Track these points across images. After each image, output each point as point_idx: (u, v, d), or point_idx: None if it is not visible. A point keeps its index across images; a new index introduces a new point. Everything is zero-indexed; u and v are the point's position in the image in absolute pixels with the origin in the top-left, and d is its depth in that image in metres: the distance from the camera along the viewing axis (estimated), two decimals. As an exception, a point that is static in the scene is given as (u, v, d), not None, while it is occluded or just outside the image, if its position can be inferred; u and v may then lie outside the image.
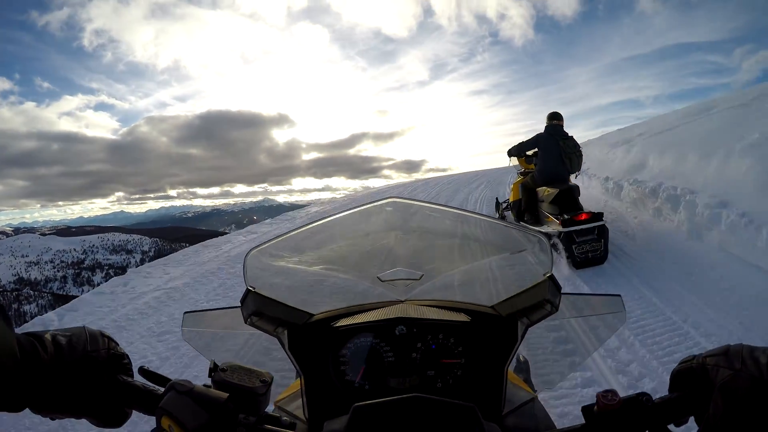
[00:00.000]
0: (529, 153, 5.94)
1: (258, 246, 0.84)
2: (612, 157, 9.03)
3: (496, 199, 8.16)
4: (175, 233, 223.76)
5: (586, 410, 0.56)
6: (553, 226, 4.56)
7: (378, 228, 0.90)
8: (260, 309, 0.80)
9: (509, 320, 0.76)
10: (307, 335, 0.80)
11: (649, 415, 0.53)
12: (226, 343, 0.91)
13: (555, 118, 5.48)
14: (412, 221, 0.88)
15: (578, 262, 4.24)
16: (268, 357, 0.95)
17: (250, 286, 0.81)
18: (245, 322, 0.80)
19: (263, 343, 0.91)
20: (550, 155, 5.28)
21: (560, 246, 4.40)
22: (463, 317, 0.79)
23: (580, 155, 5.31)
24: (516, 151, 5.95)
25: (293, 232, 0.85)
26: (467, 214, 0.88)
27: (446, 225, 0.92)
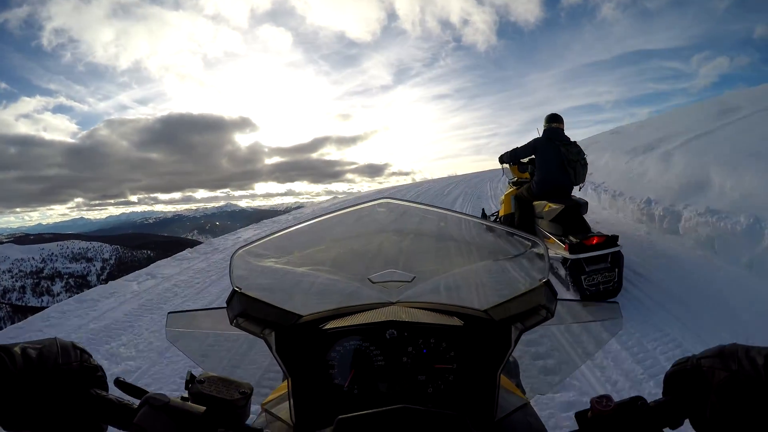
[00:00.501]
0: (524, 160, 5.20)
1: (245, 245, 0.82)
2: (640, 168, 6.89)
3: (482, 210, 7.32)
4: (136, 240, 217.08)
5: (579, 416, 0.55)
6: (556, 250, 3.85)
7: (370, 229, 0.88)
8: (247, 310, 0.78)
9: (503, 325, 0.75)
10: (295, 337, 0.79)
11: (644, 419, 0.52)
12: (211, 343, 0.89)
13: (554, 121, 4.74)
14: (405, 223, 0.87)
15: (587, 296, 3.60)
16: (255, 358, 0.94)
17: (237, 287, 0.80)
18: (231, 324, 0.77)
19: (250, 344, 0.89)
20: (549, 163, 4.52)
21: (563, 273, 3.80)
22: (455, 321, 0.78)
23: (585, 164, 4.58)
24: (508, 158, 5.18)
25: (282, 232, 0.83)
26: (462, 216, 0.86)
27: (440, 227, 0.91)
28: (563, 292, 3.66)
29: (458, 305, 0.84)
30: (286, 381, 0.78)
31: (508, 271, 0.87)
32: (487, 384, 0.72)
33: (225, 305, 0.79)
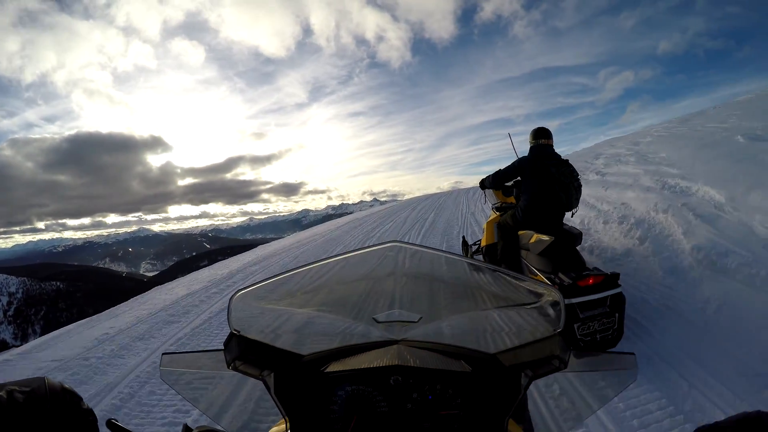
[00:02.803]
0: (509, 183, 4.48)
1: (244, 288, 0.81)
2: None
3: (463, 238, 6.22)
4: (45, 270, 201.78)
5: None
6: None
7: (376, 271, 0.87)
8: (245, 353, 0.77)
9: (512, 371, 0.74)
10: (296, 379, 0.77)
11: None
12: (207, 383, 0.85)
13: (542, 136, 3.91)
14: (413, 266, 0.86)
15: (581, 348, 2.82)
16: (254, 396, 0.91)
17: (235, 330, 0.78)
18: (228, 368, 0.76)
19: (246, 385, 0.85)
20: (538, 187, 3.74)
21: (576, 361, 2.75)
22: (463, 366, 0.76)
23: (578, 187, 3.77)
24: (491, 183, 4.37)
25: (283, 275, 0.82)
26: (473, 262, 0.86)
27: (448, 271, 0.90)
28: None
29: (466, 347, 0.82)
30: (282, 421, 0.77)
31: (520, 317, 0.84)
32: (495, 431, 0.71)
33: (222, 347, 0.78)
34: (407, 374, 0.74)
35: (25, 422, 0.49)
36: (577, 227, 3.84)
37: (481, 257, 5.11)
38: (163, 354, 0.81)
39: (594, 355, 0.81)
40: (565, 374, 0.75)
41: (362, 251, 0.81)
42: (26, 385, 0.52)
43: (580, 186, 3.79)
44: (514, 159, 4.10)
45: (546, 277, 3.18)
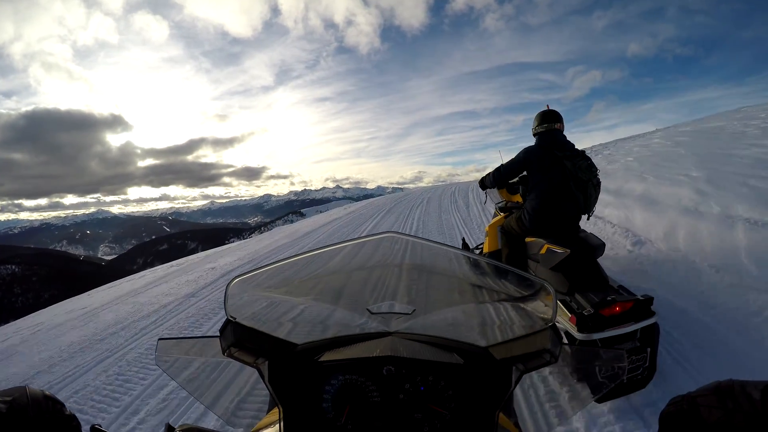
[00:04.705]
0: (514, 180, 3.71)
1: (241, 275, 0.81)
2: None
3: (463, 240, 5.65)
4: (0, 253, 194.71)
5: None
6: (558, 315, 2.26)
7: (371, 261, 0.88)
8: (240, 340, 0.78)
9: (504, 364, 0.75)
10: (289, 367, 0.78)
11: None
12: (202, 370, 0.85)
13: (553, 119, 3.14)
14: (408, 257, 0.87)
15: (604, 396, 2.22)
16: (247, 384, 0.91)
17: (231, 317, 0.79)
18: (223, 354, 0.77)
19: (240, 372, 0.87)
20: (548, 184, 3.00)
21: (567, 353, 1.69)
22: (455, 358, 0.77)
23: (597, 185, 3.03)
24: (493, 182, 3.60)
25: (280, 263, 0.82)
26: (468, 254, 0.87)
27: (444, 263, 0.91)
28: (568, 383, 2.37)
29: (458, 340, 0.83)
30: (275, 409, 0.78)
31: (512, 311, 0.86)
32: (485, 424, 0.72)
33: (218, 334, 0.79)
34: (400, 365, 0.75)
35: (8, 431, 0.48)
36: (597, 235, 3.03)
37: None
38: (159, 339, 0.82)
39: (583, 350, 0.82)
40: (554, 368, 0.77)
41: (358, 241, 0.82)
42: (7, 395, 0.52)
43: (599, 183, 3.07)
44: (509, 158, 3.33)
45: (560, 299, 2.48)
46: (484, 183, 3.81)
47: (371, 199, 22.94)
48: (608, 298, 2.29)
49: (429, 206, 13.23)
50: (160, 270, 10.21)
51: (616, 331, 2.21)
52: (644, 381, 2.28)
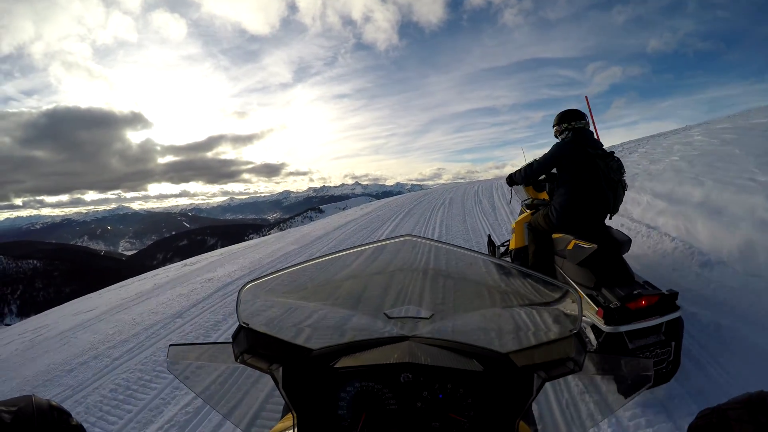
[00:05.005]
0: (541, 177, 3.69)
1: (254, 280, 0.80)
2: None
3: (489, 237, 5.51)
4: (22, 248, 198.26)
5: None
6: (584, 309, 2.44)
7: (389, 266, 0.86)
8: (254, 346, 0.76)
9: (525, 372, 0.72)
10: (304, 373, 0.76)
11: None
12: (214, 375, 0.83)
13: (579, 117, 3.18)
14: (427, 261, 0.84)
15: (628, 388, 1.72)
16: (259, 390, 0.88)
17: (244, 323, 0.78)
18: (236, 361, 0.75)
19: (255, 378, 0.83)
20: (580, 181, 3.01)
21: (592, 341, 2.45)
22: (474, 365, 0.75)
23: (624, 186, 3.12)
24: (523, 178, 3.59)
25: (294, 267, 0.80)
26: (488, 259, 0.84)
27: (464, 267, 0.88)
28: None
29: (478, 345, 0.80)
30: (289, 415, 0.77)
31: (535, 316, 0.82)
32: None
33: (230, 340, 0.77)
34: (418, 372, 0.73)
35: None
36: (624, 232, 3.12)
37: (508, 261, 4.23)
38: (170, 345, 0.80)
39: (609, 358, 0.77)
40: (577, 376, 0.76)
41: (375, 245, 0.80)
42: (13, 404, 0.51)
43: (626, 185, 3.17)
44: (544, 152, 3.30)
45: (586, 294, 2.62)
46: (513, 179, 3.80)
47: (388, 199, 21.99)
48: (634, 292, 2.37)
49: (452, 209, 12.10)
50: (172, 270, 10.21)
51: (642, 324, 2.29)
52: (668, 375, 2.36)
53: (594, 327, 2.44)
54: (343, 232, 10.91)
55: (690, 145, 8.83)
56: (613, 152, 3.11)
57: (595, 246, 2.68)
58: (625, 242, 2.76)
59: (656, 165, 7.83)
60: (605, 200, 3.01)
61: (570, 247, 2.92)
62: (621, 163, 3.09)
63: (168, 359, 0.79)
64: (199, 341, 1.06)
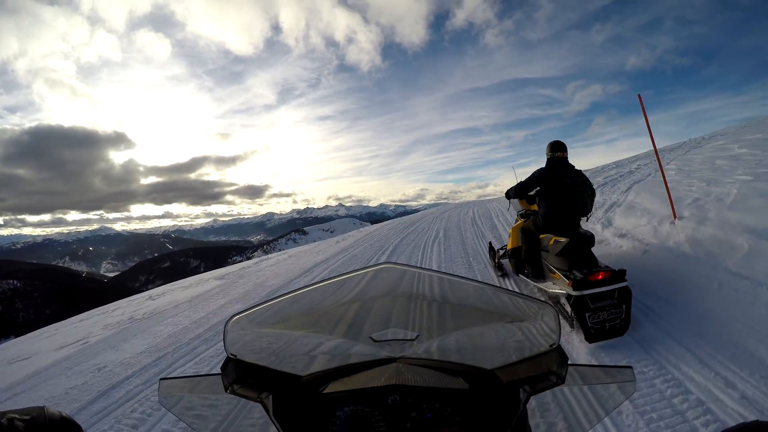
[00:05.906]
0: (531, 193, 4.85)
1: (239, 313, 0.81)
2: None
3: (490, 244, 6.93)
4: (2, 268, 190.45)
5: None
6: (561, 285, 3.70)
7: (370, 292, 0.87)
8: (243, 377, 0.78)
9: (510, 387, 0.75)
10: (294, 400, 0.78)
11: None
12: (208, 408, 0.84)
13: (558, 149, 4.42)
14: (407, 286, 0.86)
15: (592, 335, 3.30)
16: (252, 419, 0.89)
17: (231, 354, 0.78)
18: (226, 392, 0.76)
19: (247, 408, 0.84)
20: (555, 195, 4.28)
21: (568, 311, 3.57)
22: (460, 383, 0.76)
23: (592, 194, 4.31)
24: (514, 193, 4.93)
25: (278, 299, 0.82)
26: (466, 281, 0.86)
27: (444, 290, 0.89)
28: (567, 330, 3.58)
29: (464, 363, 0.83)
30: None
31: (517, 333, 0.84)
32: None
33: (219, 372, 0.78)
34: (405, 393, 0.75)
35: None
36: (590, 231, 4.29)
37: (507, 260, 5.79)
38: (160, 379, 0.80)
39: (592, 368, 0.80)
40: (562, 390, 0.78)
41: (355, 273, 0.81)
42: (26, 414, 0.52)
43: (594, 193, 4.35)
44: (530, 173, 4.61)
45: (562, 274, 3.71)
46: (509, 194, 5.13)
47: (369, 228, 17.70)
48: (594, 269, 3.55)
49: (449, 243, 9.03)
50: (150, 302, 8.48)
51: (599, 288, 3.38)
52: (621, 330, 3.32)
53: (568, 296, 3.53)
54: (310, 278, 7.74)
55: (739, 159, 7.37)
56: (580, 171, 4.34)
57: (568, 240, 3.84)
58: (590, 237, 3.88)
59: (720, 187, 5.93)
60: (574, 207, 4.21)
61: (551, 243, 4.10)
62: (586, 178, 4.33)
63: (159, 393, 0.79)
64: (190, 374, 1.05)
